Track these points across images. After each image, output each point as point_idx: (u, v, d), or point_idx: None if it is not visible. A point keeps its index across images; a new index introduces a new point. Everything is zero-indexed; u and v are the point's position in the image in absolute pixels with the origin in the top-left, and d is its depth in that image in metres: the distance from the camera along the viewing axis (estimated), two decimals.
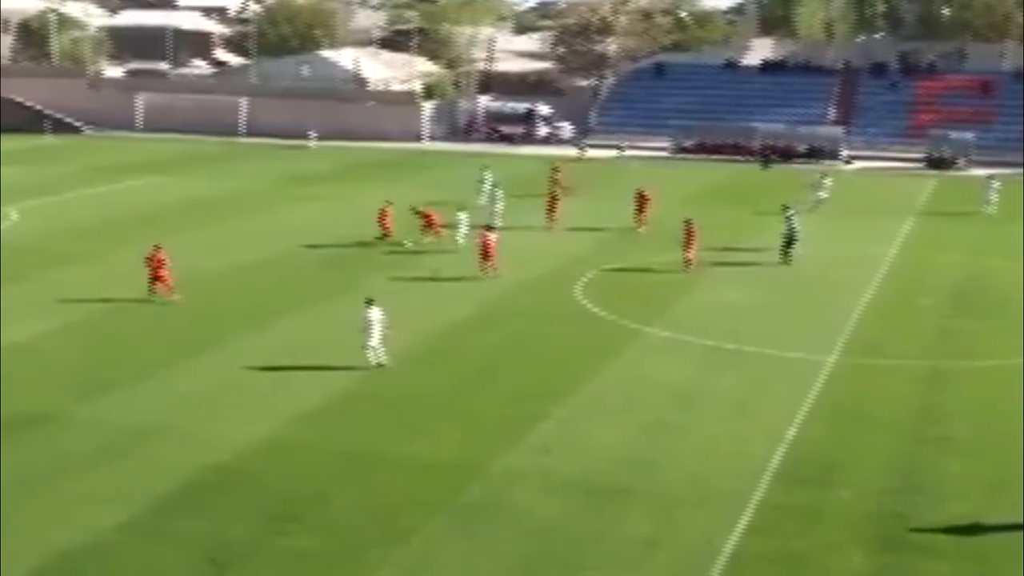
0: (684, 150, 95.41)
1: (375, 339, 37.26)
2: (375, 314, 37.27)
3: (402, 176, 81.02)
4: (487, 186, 66.47)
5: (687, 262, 51.50)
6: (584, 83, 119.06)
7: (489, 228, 51.19)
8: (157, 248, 46.45)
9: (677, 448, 31.59)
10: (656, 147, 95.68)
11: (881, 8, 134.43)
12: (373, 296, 38.20)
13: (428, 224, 55.81)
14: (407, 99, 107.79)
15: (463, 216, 54.89)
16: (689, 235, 51.71)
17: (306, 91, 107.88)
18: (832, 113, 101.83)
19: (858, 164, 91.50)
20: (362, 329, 37.41)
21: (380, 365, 37.30)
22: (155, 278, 45.94)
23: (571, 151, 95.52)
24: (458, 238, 54.28)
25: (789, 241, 53.36)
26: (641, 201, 60.72)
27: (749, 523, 26.98)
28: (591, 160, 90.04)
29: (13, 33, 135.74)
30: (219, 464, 30.11)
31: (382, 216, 56.71)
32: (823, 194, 67.85)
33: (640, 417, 33.89)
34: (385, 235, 56.28)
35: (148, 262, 46.09)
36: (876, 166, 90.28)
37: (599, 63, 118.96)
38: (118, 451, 30.97)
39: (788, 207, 54.98)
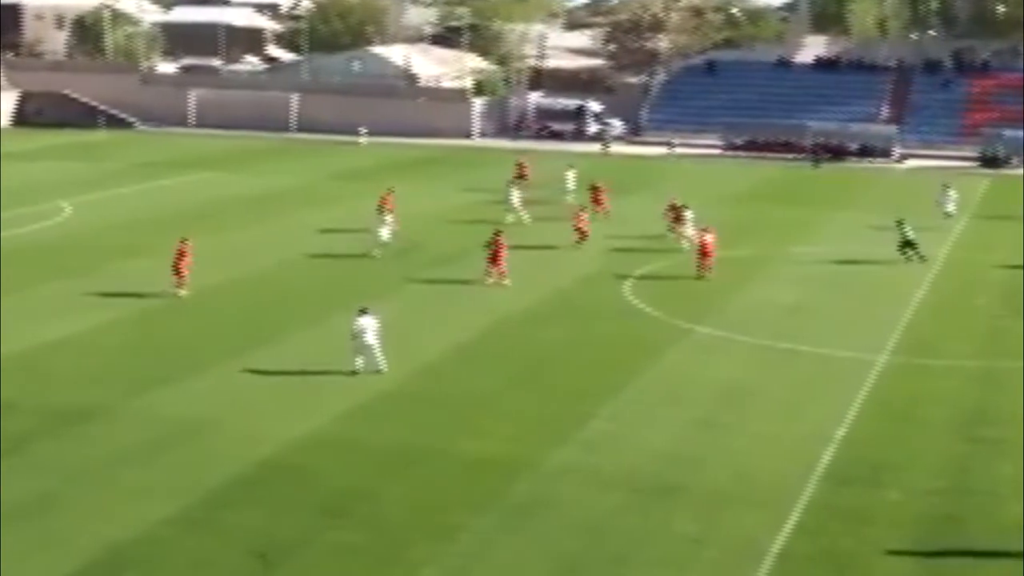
0: (735, 148, 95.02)
1: (375, 347, 36.38)
2: (369, 322, 36.52)
3: (451, 173, 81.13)
4: (571, 185, 66.55)
5: (706, 270, 49.91)
6: (635, 80, 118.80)
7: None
8: (183, 241, 46.77)
9: (725, 446, 31.48)
10: (707, 144, 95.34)
11: (935, 5, 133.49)
12: (416, 296, 38.25)
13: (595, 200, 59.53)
14: (458, 96, 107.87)
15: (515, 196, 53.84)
16: (704, 247, 50.01)
17: (357, 87, 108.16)
18: (885, 111, 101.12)
19: (911, 163, 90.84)
20: (352, 337, 36.50)
21: (379, 371, 36.35)
22: (175, 270, 46.18)
23: (620, 148, 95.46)
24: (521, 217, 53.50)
25: (908, 243, 52.82)
26: (676, 212, 57.57)
27: (797, 523, 26.83)
28: (636, 157, 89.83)
29: (68, 29, 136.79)
30: (269, 458, 30.25)
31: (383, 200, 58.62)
32: (951, 207, 63.83)
33: (689, 415, 33.81)
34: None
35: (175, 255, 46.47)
36: (929, 165, 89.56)
37: (650, 60, 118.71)
38: (169, 445, 31.18)
39: (903, 222, 53.91)
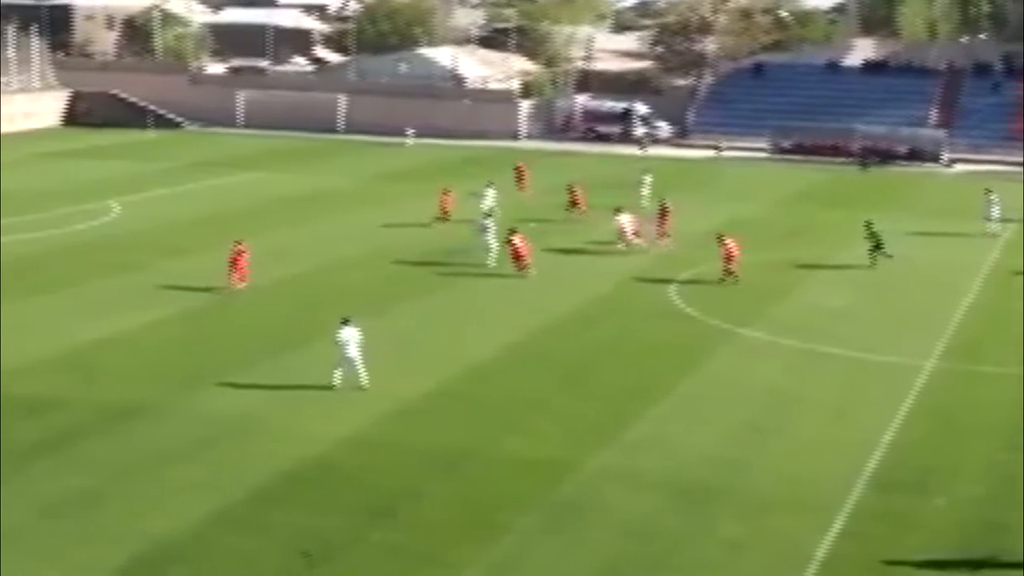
0: (782, 151, 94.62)
1: (357, 360, 35.19)
2: (351, 334, 35.36)
3: (498, 174, 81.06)
4: (647, 190, 65.97)
5: (728, 273, 49.60)
6: (682, 82, 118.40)
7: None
8: (238, 243, 47.73)
9: (770, 450, 31.40)
10: (754, 148, 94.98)
11: (985, 8, 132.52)
12: (463, 296, 38.26)
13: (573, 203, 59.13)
14: (504, 97, 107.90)
15: (489, 223, 53.21)
16: (728, 252, 49.68)
17: (404, 88, 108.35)
18: (934, 115, 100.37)
19: (960, 167, 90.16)
20: (339, 348, 35.58)
21: (361, 387, 35.12)
22: (233, 266, 47.13)
23: (667, 150, 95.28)
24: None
25: (877, 247, 52.58)
26: (663, 213, 57.57)
27: (842, 528, 26.73)
28: (683, 160, 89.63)
29: (118, 29, 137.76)
30: (315, 457, 30.41)
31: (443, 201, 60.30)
32: (995, 213, 61.87)
33: (733, 418, 33.75)
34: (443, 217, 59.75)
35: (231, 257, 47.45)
36: (978, 169, 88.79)
37: (698, 62, 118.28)
38: (215, 442, 31.40)
39: (871, 223, 53.60)
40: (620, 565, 25.16)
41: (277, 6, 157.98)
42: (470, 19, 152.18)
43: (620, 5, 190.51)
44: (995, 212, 61.59)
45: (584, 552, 25.54)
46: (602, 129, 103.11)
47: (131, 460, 30.01)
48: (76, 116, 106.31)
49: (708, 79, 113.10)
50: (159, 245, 55.14)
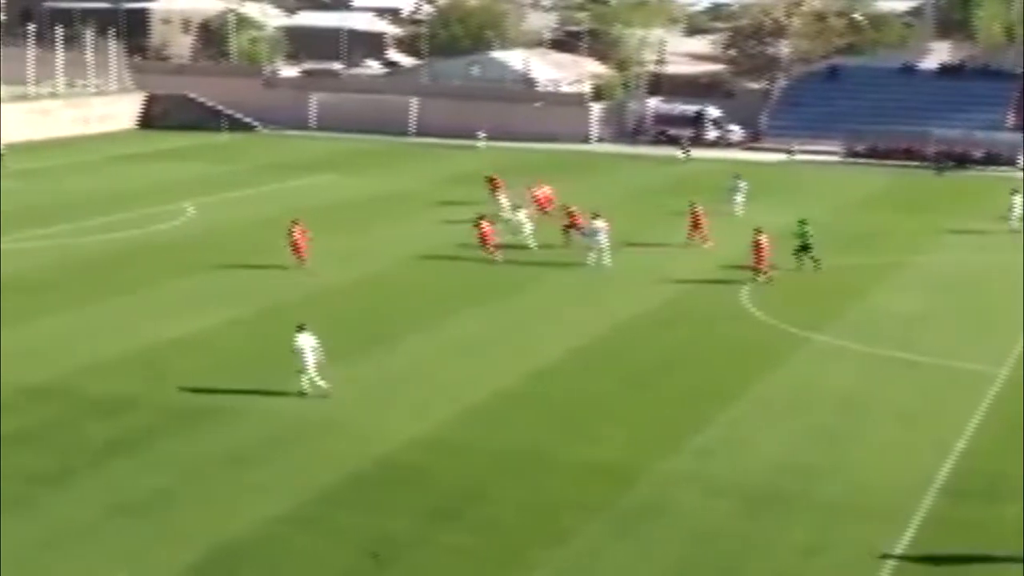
0: (856, 155, 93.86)
1: (311, 367, 34.67)
2: (307, 341, 34.84)
3: (569, 177, 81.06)
4: (740, 196, 65.07)
5: (762, 274, 49.44)
6: (755, 86, 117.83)
7: (760, 230, 50.12)
8: (294, 223, 51.47)
9: (841, 456, 31.15)
10: (827, 151, 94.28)
11: None
12: (534, 298, 38.26)
13: (571, 223, 56.02)
14: (576, 100, 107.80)
15: (600, 224, 53.41)
16: (759, 249, 49.63)
17: (476, 91, 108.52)
18: (1010, 118, 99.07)
19: None
20: (295, 355, 35.14)
21: (325, 393, 34.69)
22: (295, 249, 50.63)
23: (740, 154, 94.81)
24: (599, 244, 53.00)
25: (804, 247, 51.91)
26: (695, 218, 56.98)
27: (913, 536, 26.47)
28: (755, 163, 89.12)
29: (193, 33, 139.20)
30: (384, 458, 30.55)
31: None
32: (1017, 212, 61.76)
33: (804, 424, 33.52)
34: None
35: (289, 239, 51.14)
36: None
37: (771, 65, 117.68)
38: (286, 443, 31.61)
39: (804, 222, 52.92)
40: (689, 571, 25.08)
41: (351, 9, 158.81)
42: (542, 22, 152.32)
43: (693, 8, 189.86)
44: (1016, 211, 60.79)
45: (653, 557, 25.46)
46: (674, 132, 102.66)
47: (203, 460, 30.28)
48: (151, 119, 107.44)
49: (781, 82, 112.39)
50: (233, 246, 55.59)
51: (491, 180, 65.60)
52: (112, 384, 35.85)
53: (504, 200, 62.01)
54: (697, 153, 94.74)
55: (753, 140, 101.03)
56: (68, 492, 28.17)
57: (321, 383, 34.78)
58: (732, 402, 35.12)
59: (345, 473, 29.57)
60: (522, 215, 56.45)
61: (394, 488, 28.82)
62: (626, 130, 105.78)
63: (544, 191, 63.69)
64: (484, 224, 53.19)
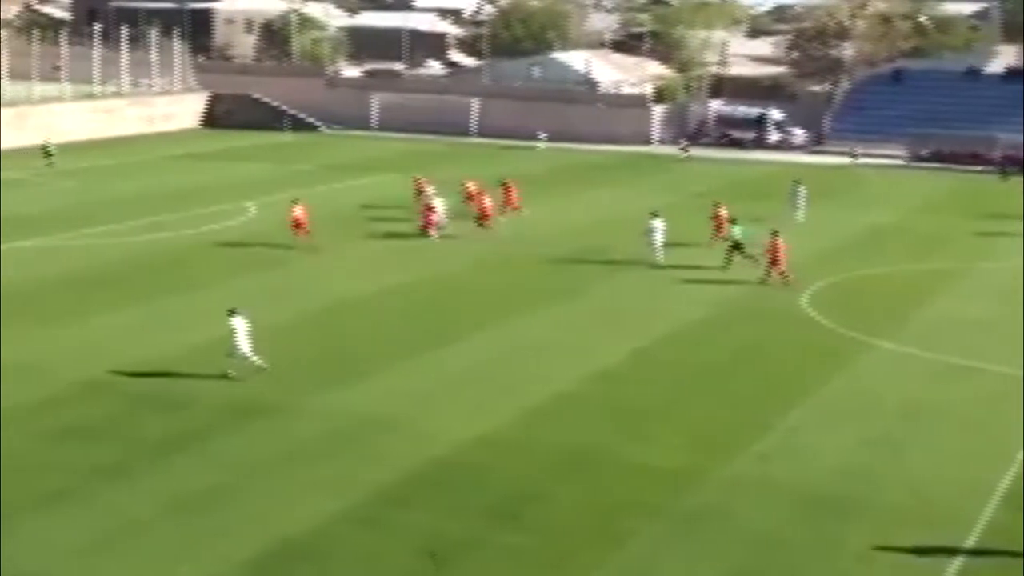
0: (920, 159, 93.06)
1: (245, 348, 35.74)
2: (239, 324, 35.86)
3: (630, 179, 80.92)
4: (801, 201, 64.43)
5: (780, 275, 49.05)
6: (818, 88, 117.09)
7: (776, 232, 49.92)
8: (294, 202, 55.07)
9: (902, 464, 30.79)
10: (891, 155, 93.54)
11: None
12: (595, 300, 38.11)
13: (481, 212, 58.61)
14: (638, 102, 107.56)
15: (657, 223, 53.47)
16: (775, 251, 49.06)
17: (537, 92, 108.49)
18: None
19: None
20: (230, 338, 36.03)
21: (261, 369, 36.01)
22: (296, 227, 54.08)
23: (802, 157, 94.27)
24: (656, 247, 52.96)
25: (736, 246, 51.67)
26: (718, 219, 56.72)
27: (974, 545, 26.11)
28: (818, 167, 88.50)
29: (257, 33, 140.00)
30: (441, 458, 30.49)
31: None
32: None
33: (865, 430, 33.17)
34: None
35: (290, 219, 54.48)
36: None
37: (835, 68, 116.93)
38: (344, 441, 31.62)
39: (735, 221, 52.85)
40: (747, 575, 24.84)
41: (413, 10, 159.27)
42: (604, 23, 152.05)
43: (756, 10, 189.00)
44: None
45: (712, 561, 25.26)
46: (736, 135, 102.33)
47: (261, 457, 30.34)
48: (215, 118, 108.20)
49: (845, 85, 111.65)
50: (292, 245, 55.74)
51: (416, 180, 65.95)
52: (171, 380, 36.01)
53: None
54: (759, 156, 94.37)
55: (816, 143, 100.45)
56: (126, 487, 28.28)
57: (257, 361, 35.98)
58: (794, 407, 34.83)
59: (403, 472, 29.54)
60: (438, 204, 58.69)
61: (452, 488, 28.75)
62: (688, 132, 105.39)
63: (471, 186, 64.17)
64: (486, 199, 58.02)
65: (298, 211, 54.62)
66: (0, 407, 33.28)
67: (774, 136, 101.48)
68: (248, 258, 53.00)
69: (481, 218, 58.68)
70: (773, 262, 49.03)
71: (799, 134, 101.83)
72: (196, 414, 33.25)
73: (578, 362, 38.58)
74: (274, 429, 32.39)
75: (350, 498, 27.94)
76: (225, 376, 35.87)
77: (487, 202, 59.24)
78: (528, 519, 27.25)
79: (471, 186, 63.94)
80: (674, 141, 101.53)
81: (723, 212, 56.85)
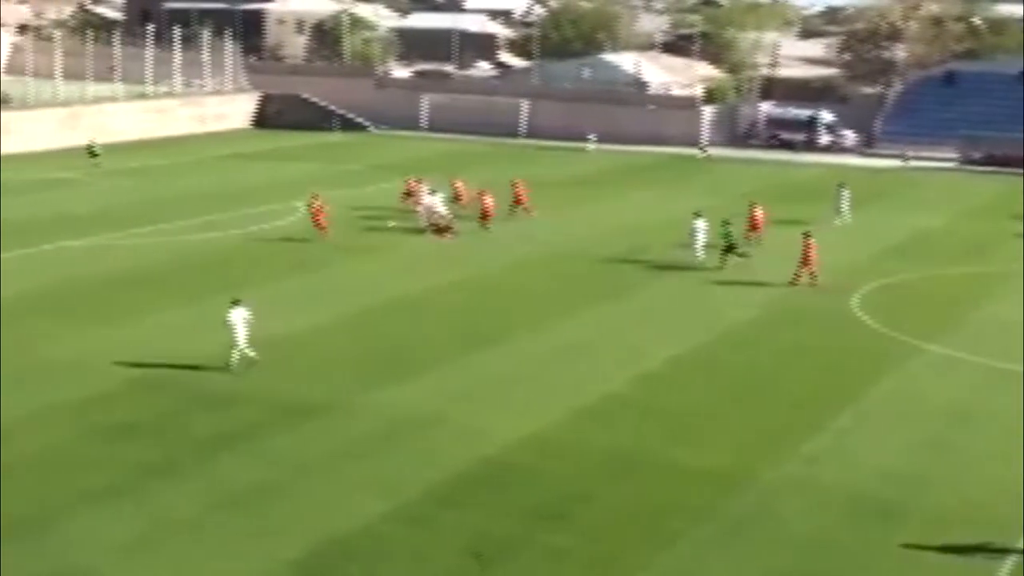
0: (972, 162, 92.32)
1: (241, 338, 36.65)
2: (240, 315, 36.81)
3: (679, 180, 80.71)
4: (845, 204, 63.98)
5: (810, 276, 49.16)
6: (870, 90, 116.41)
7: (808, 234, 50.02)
8: (314, 196, 57.37)
9: (951, 468, 30.56)
10: (943, 158, 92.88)
11: None
12: (645, 301, 38.07)
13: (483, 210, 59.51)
14: (687, 103, 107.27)
15: (700, 223, 53.53)
16: (807, 251, 49.22)
17: (586, 94, 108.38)
18: None
19: None
20: (228, 328, 36.85)
21: (235, 371, 36.54)
22: (315, 220, 56.29)
23: (853, 159, 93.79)
24: (697, 246, 53.00)
25: (730, 247, 51.96)
26: (753, 219, 57.35)
27: (1023, 548, 25.93)
28: (869, 169, 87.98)
29: (308, 34, 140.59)
30: (489, 458, 30.52)
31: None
32: None
33: (915, 434, 32.96)
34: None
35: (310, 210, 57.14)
36: None
37: (886, 70, 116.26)
38: (393, 440, 31.70)
39: (728, 222, 52.64)
40: None
41: (463, 11, 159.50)
42: (654, 25, 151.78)
43: (807, 11, 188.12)
44: None
45: (758, 564, 25.17)
46: (786, 137, 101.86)
47: (309, 456, 30.45)
48: (265, 118, 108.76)
49: (897, 87, 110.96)
50: (342, 245, 55.97)
51: (407, 184, 65.93)
52: (220, 379, 36.20)
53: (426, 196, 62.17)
54: (809, 158, 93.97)
55: (867, 146, 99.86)
56: (174, 484, 28.47)
57: (251, 353, 36.70)
58: (841, 410, 34.65)
59: (450, 471, 29.59)
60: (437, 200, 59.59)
61: (499, 488, 28.78)
62: (738, 134, 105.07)
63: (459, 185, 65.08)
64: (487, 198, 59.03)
65: (317, 206, 56.98)
66: (50, 404, 33.64)
67: (825, 138, 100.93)
68: (296, 258, 53.23)
69: (482, 217, 59.46)
70: (804, 262, 49.13)
71: (850, 136, 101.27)
72: (244, 412, 33.42)
73: (625, 363, 38.53)
74: (322, 428, 32.51)
75: (397, 497, 28.01)
76: (226, 368, 36.43)
77: (489, 201, 59.92)
78: (574, 520, 27.24)
79: (460, 185, 64.97)
80: (724, 143, 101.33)
81: (759, 212, 57.06)
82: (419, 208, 60.45)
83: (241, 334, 36.63)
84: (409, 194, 64.22)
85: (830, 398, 35.67)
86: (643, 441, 32.04)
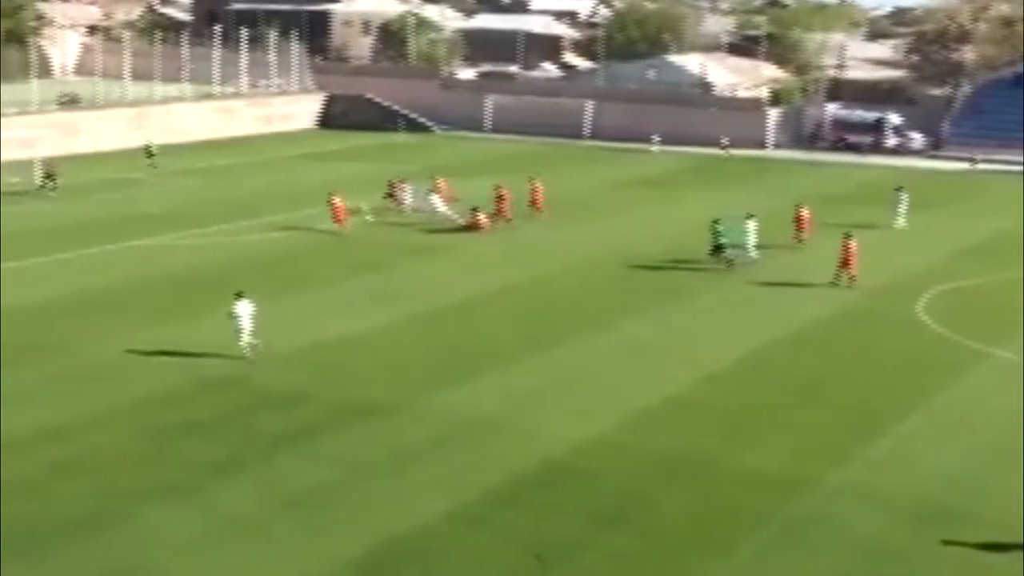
0: None
1: (247, 330, 37.51)
2: (245, 308, 37.58)
3: (744, 182, 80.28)
4: (903, 208, 63.16)
5: (849, 277, 49.23)
6: (938, 92, 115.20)
7: (849, 235, 50.00)
8: (332, 194, 58.98)
9: (1014, 474, 30.18)
10: (1012, 160, 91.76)
11: None
12: (708, 303, 37.93)
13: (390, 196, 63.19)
14: (753, 105, 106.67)
15: (751, 224, 53.48)
16: (847, 253, 49.28)
17: (651, 95, 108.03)
18: None
19: None
20: (232, 319, 37.77)
21: (251, 359, 37.54)
22: (335, 217, 58.40)
23: (920, 162, 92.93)
24: (749, 248, 52.99)
25: (718, 247, 52.19)
26: (799, 219, 57.40)
27: None
28: (936, 172, 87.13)
29: (373, 35, 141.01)
30: (549, 459, 30.50)
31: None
32: None
33: (978, 440, 32.63)
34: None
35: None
36: None
37: (954, 72, 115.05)
38: (454, 442, 31.77)
39: (718, 222, 53.09)
40: None
41: (528, 12, 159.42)
42: (720, 26, 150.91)
43: (875, 12, 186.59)
44: None
45: (819, 570, 25.03)
46: (853, 139, 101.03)
47: (370, 456, 30.57)
48: (330, 118, 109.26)
49: (965, 89, 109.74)
50: (405, 246, 56.17)
51: (435, 182, 66.00)
52: (284, 379, 36.44)
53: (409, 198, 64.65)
54: (876, 160, 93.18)
55: (934, 148, 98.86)
56: (237, 483, 28.68)
57: (254, 342, 37.60)
58: (905, 415, 34.35)
59: (510, 473, 29.60)
60: (436, 199, 62.03)
61: (559, 490, 28.76)
62: (804, 136, 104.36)
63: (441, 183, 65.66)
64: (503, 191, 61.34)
65: (337, 201, 58.86)
66: (114, 402, 33.98)
67: (891, 140, 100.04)
68: (359, 258, 53.43)
69: (498, 214, 60.98)
70: (844, 264, 49.21)
71: (917, 139, 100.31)
72: (307, 412, 33.61)
73: (687, 365, 38.39)
74: (384, 428, 32.63)
75: (458, 498, 28.06)
76: (243, 356, 37.43)
77: (506, 199, 61.51)
78: (634, 523, 27.18)
79: (441, 183, 65.46)
80: (790, 145, 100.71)
81: (805, 212, 57.42)
82: (403, 207, 62.93)
83: (247, 326, 37.50)
84: (391, 195, 64.61)
85: (893, 402, 35.37)
86: (704, 444, 31.92)
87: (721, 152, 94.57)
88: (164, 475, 29.00)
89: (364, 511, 27.28)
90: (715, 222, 52.99)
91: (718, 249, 52.31)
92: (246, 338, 37.52)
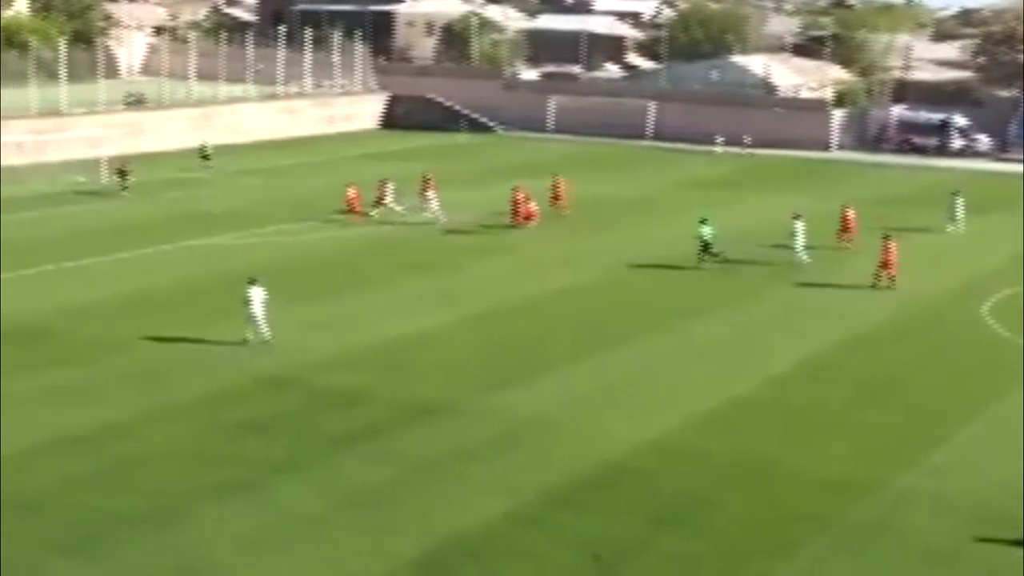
0: None
1: (259, 316, 38.62)
2: (257, 294, 38.66)
3: (808, 184, 79.79)
4: (959, 212, 62.75)
5: (889, 278, 49.05)
6: (1005, 94, 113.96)
7: (888, 237, 49.76)
8: (348, 185, 62.09)
9: None
10: None
11: None
12: (770, 305, 37.71)
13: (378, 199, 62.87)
14: (817, 106, 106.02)
15: (799, 225, 53.18)
16: (887, 254, 49.07)
17: (714, 96, 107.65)
18: None
19: None
20: (245, 305, 38.85)
21: (265, 341, 38.71)
22: (350, 208, 61.28)
23: (986, 164, 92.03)
24: (798, 249, 52.77)
25: (705, 247, 52.22)
26: (845, 220, 57.54)
27: None
28: (1001, 174, 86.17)
29: (437, 35, 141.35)
30: (609, 461, 30.45)
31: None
32: None
33: None
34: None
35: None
36: None
37: (1022, 73, 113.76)
38: (514, 442, 31.77)
39: (705, 221, 53.01)
40: None
41: (591, 13, 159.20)
42: (784, 27, 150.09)
43: (941, 13, 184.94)
44: None
45: (881, 575, 24.78)
46: (918, 141, 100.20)
47: (431, 456, 30.62)
48: (393, 119, 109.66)
49: None
50: (467, 246, 56.26)
51: (425, 180, 65.40)
52: (346, 378, 36.60)
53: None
54: (940, 163, 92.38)
55: (1001, 150, 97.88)
56: (298, 481, 28.81)
57: (266, 334, 38.74)
58: (970, 420, 34.02)
59: (570, 474, 29.57)
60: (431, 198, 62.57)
61: (619, 491, 28.70)
62: (868, 138, 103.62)
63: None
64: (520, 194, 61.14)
65: (351, 193, 62.21)
66: (177, 400, 34.27)
67: (957, 143, 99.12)
68: (420, 258, 53.55)
69: (524, 218, 60.91)
70: (884, 265, 49.01)
71: (983, 141, 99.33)
72: (368, 411, 33.74)
73: (751, 368, 38.20)
74: (444, 428, 32.68)
75: (517, 498, 28.06)
76: (244, 341, 38.68)
77: (534, 206, 61.46)
78: (695, 525, 27.07)
79: (430, 180, 64.92)
80: (854, 147, 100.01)
81: (851, 213, 57.50)
82: (381, 208, 62.97)
83: (259, 312, 38.44)
84: (381, 199, 64.34)
85: (958, 407, 35.05)
86: (766, 446, 31.76)
87: (742, 151, 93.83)
88: (226, 473, 29.18)
89: (423, 510, 27.33)
90: (702, 221, 52.91)
91: (705, 248, 52.23)
92: (259, 324, 38.65)
